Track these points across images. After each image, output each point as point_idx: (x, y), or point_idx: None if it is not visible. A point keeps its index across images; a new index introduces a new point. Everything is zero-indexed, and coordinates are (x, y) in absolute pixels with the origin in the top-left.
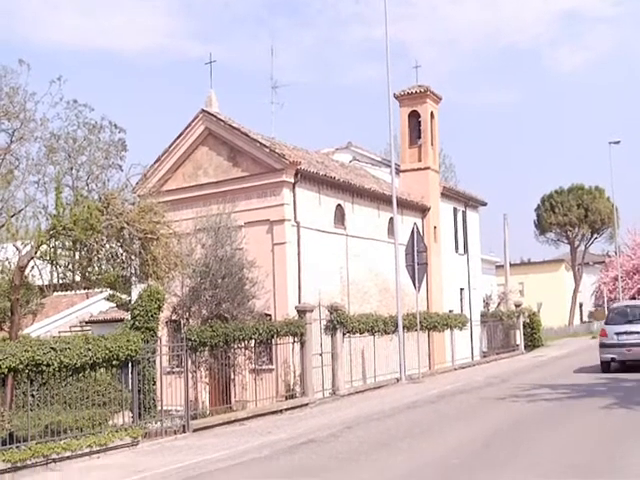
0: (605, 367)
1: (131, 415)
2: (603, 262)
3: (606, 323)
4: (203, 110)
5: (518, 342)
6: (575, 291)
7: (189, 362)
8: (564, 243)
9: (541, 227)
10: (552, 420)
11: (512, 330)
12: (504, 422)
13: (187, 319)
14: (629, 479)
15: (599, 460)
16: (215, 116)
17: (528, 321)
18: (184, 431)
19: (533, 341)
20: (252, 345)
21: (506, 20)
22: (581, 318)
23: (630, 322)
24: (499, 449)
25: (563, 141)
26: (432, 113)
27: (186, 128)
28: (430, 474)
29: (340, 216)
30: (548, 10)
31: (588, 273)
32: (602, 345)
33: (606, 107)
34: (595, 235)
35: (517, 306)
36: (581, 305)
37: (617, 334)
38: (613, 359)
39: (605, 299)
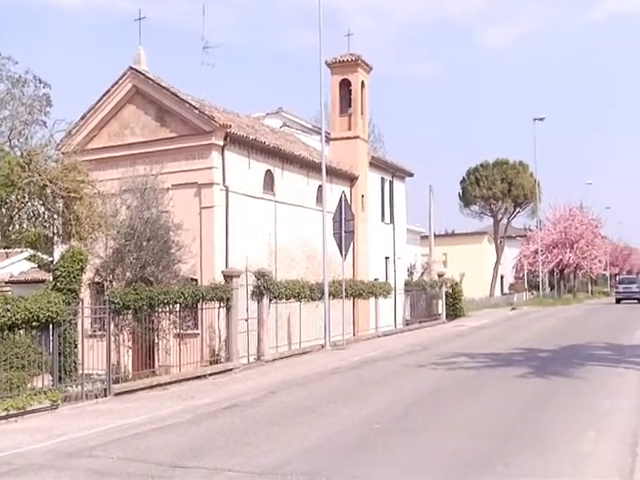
0: (617, 301)
1: (51, 378)
2: (525, 236)
3: (618, 283)
4: (131, 67)
5: (440, 311)
6: (497, 263)
7: (112, 325)
8: (488, 216)
9: (466, 200)
10: (470, 388)
11: (435, 299)
12: (424, 389)
13: (110, 281)
14: (541, 445)
15: (513, 426)
16: (143, 74)
17: (450, 291)
18: (105, 395)
19: (455, 311)
20: (177, 309)
21: None
22: (502, 290)
23: (622, 283)
24: (418, 414)
25: (490, 116)
26: (363, 82)
27: (113, 85)
28: (352, 438)
29: (269, 182)
30: None
31: (510, 246)
32: (616, 292)
33: (533, 83)
34: (518, 209)
35: (440, 276)
36: (502, 277)
37: (620, 285)
38: (617, 298)
39: (525, 272)
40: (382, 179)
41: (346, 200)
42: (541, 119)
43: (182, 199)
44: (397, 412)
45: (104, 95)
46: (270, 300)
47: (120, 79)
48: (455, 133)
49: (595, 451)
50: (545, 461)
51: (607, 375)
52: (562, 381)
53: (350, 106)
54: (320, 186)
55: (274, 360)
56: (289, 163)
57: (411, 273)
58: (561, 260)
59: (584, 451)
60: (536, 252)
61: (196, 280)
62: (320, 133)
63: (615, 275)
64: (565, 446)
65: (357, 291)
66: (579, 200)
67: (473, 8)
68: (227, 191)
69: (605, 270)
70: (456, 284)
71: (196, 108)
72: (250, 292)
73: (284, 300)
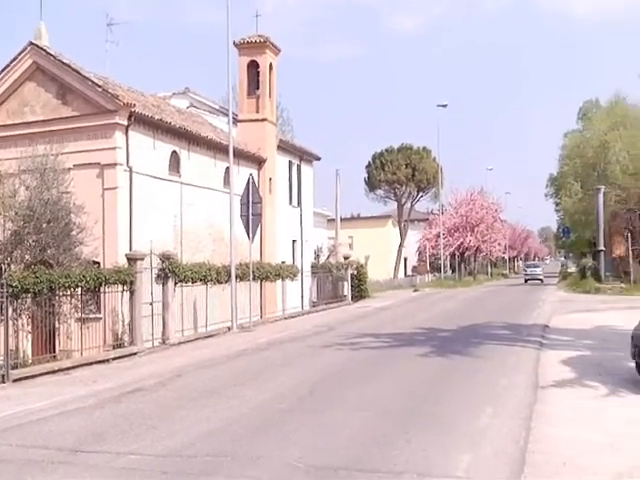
0: (525, 281)
1: None
2: (427, 219)
3: (526, 267)
4: (31, 43)
5: (346, 293)
6: (400, 246)
7: (10, 310)
8: (392, 200)
9: (371, 184)
10: (374, 367)
11: (341, 281)
12: (329, 369)
13: (8, 264)
14: (441, 421)
15: (415, 404)
16: (44, 50)
17: (356, 273)
18: (3, 381)
19: (360, 292)
20: (79, 293)
21: None
22: (405, 272)
23: (529, 267)
24: (323, 394)
25: (397, 101)
26: (271, 64)
27: (12, 61)
28: (256, 419)
29: (175, 163)
30: None
31: (413, 229)
32: (524, 274)
33: (438, 71)
34: (421, 193)
35: (346, 259)
36: (406, 259)
37: (527, 268)
38: (525, 279)
39: (428, 255)
40: (290, 162)
41: (253, 182)
42: (444, 106)
43: (84, 180)
44: (302, 393)
45: (2, 71)
46: (175, 283)
47: (19, 55)
48: (363, 118)
49: (492, 425)
50: (445, 436)
51: (505, 353)
52: (462, 360)
53: (258, 88)
54: (227, 168)
55: (180, 344)
56: (196, 144)
57: (318, 256)
58: (462, 243)
59: (482, 426)
60: (438, 235)
61: (99, 263)
62: (227, 114)
63: (514, 258)
64: (464, 421)
65: (264, 274)
66: (480, 185)
67: None
68: (131, 172)
69: (504, 253)
70: (361, 266)
71: (99, 86)
72: (155, 275)
73: (190, 283)
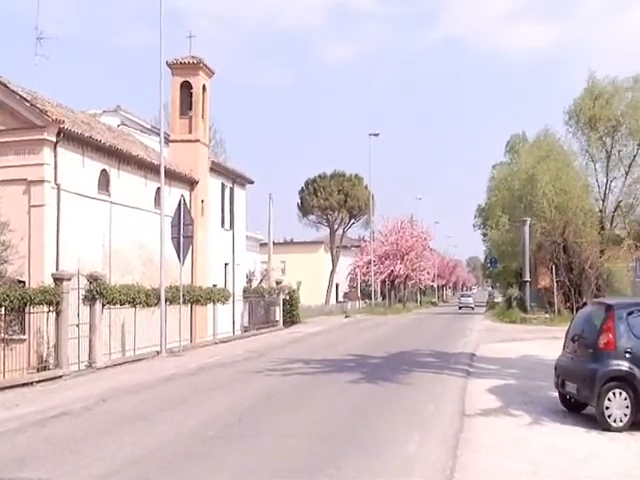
0: (459, 308)
1: None
2: (359, 246)
3: (460, 296)
4: None
5: (278, 318)
6: (332, 272)
7: None
8: (324, 226)
9: (304, 209)
10: (303, 393)
11: (272, 306)
12: (259, 395)
13: None
14: (370, 447)
15: (345, 430)
16: None
17: (288, 298)
18: None
19: (292, 318)
20: (2, 313)
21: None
22: (337, 298)
23: (463, 297)
24: (253, 420)
25: (330, 128)
26: (204, 86)
27: None
28: (184, 445)
29: (105, 182)
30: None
31: (345, 256)
32: (459, 302)
33: (371, 99)
34: (353, 220)
35: (278, 283)
36: (337, 286)
37: (462, 297)
38: (460, 306)
39: (359, 281)
40: (222, 185)
41: (185, 204)
42: (376, 134)
43: (10, 196)
44: (231, 419)
45: None
46: (103, 305)
47: None
48: (297, 144)
49: (420, 453)
50: (373, 463)
51: (433, 381)
52: (391, 386)
53: (191, 109)
54: (158, 188)
55: (107, 367)
56: (126, 163)
57: (250, 280)
58: (392, 271)
59: (410, 453)
60: (369, 262)
61: (24, 282)
62: (159, 134)
63: (442, 286)
64: (393, 448)
65: (195, 297)
66: (410, 214)
67: (312, 22)
68: (59, 189)
69: (433, 281)
70: (293, 291)
71: (27, 100)
72: (82, 296)
73: (118, 305)
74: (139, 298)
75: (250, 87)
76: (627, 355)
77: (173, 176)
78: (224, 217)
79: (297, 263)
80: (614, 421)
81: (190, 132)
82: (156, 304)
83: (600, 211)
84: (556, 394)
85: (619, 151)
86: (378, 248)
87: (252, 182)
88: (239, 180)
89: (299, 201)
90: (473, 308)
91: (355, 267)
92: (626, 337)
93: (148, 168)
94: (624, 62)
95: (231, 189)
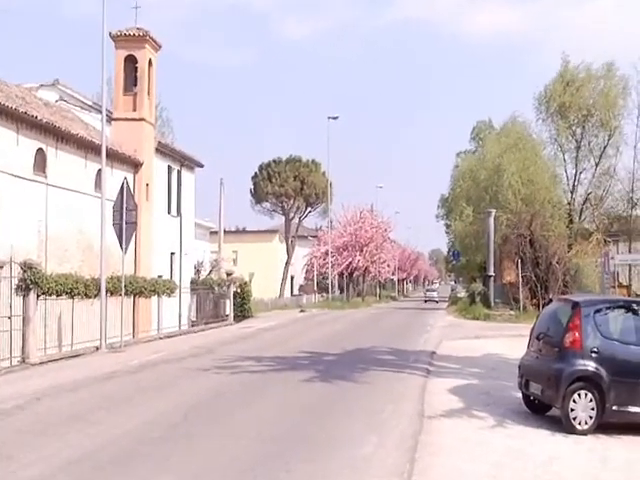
0: (425, 301)
1: None
2: (316, 236)
3: (426, 291)
4: None
5: (228, 312)
6: (287, 263)
7: None
8: (279, 214)
9: (257, 196)
10: (253, 392)
11: (222, 299)
12: (206, 394)
13: None
14: (323, 450)
15: (297, 431)
16: None
17: (239, 291)
18: None
19: (243, 312)
20: None
21: None
22: (292, 291)
23: (428, 291)
24: (199, 421)
25: (287, 110)
26: (150, 60)
27: None
28: (125, 447)
29: (41, 162)
30: None
31: (301, 246)
32: (425, 296)
33: (329, 81)
34: (309, 208)
35: (229, 275)
36: (292, 278)
37: (427, 292)
38: (425, 299)
39: (315, 273)
40: (169, 168)
41: (128, 187)
42: (335, 118)
43: None
44: (176, 418)
45: None
46: (38, 296)
47: None
48: (251, 127)
49: (376, 455)
50: (327, 466)
51: (391, 380)
52: (347, 386)
53: (136, 85)
54: (100, 170)
55: (42, 363)
56: (65, 142)
57: (198, 271)
58: (351, 263)
59: (366, 456)
60: (326, 254)
61: None
62: (101, 111)
63: (403, 280)
64: (347, 450)
65: (138, 288)
66: (370, 203)
67: None
68: None
69: (393, 275)
70: (245, 284)
71: None
72: (15, 286)
73: (55, 296)
74: (77, 289)
75: (202, 65)
76: (593, 355)
77: (116, 157)
78: (171, 202)
79: (249, 253)
80: (579, 424)
81: (135, 110)
82: (96, 295)
83: (568, 203)
84: (520, 395)
85: (589, 142)
86: (336, 239)
87: (202, 165)
88: (188, 163)
89: (252, 187)
90: (437, 302)
91: (312, 258)
92: (593, 336)
93: (89, 148)
94: (593, 49)
95: (179, 172)
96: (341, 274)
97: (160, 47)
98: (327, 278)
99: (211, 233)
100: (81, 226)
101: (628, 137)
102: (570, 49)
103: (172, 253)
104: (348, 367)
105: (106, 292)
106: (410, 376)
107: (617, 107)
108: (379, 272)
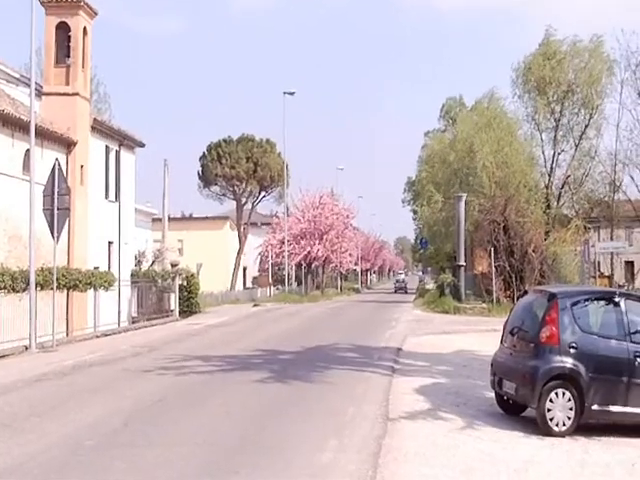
0: (395, 290)
1: None
2: (270, 223)
3: (396, 281)
4: None
5: (173, 307)
6: (239, 253)
7: None
8: (230, 199)
9: (206, 178)
10: (202, 395)
11: (167, 293)
12: (148, 397)
13: None
14: (278, 456)
15: (249, 437)
16: None
17: (185, 284)
18: None
19: (190, 306)
20: None
21: None
22: (244, 284)
23: (398, 281)
24: (140, 427)
25: (240, 85)
26: (85, 29)
27: None
28: (57, 457)
29: None
30: None
31: (254, 234)
32: (394, 285)
33: (286, 54)
34: (264, 193)
35: (174, 266)
36: (245, 269)
37: (397, 282)
38: (395, 289)
39: (270, 264)
40: (107, 147)
41: (60, 169)
42: (291, 93)
43: None
44: (115, 425)
45: None
46: None
47: None
48: (199, 103)
49: (336, 462)
50: (281, 475)
51: (353, 380)
52: (305, 386)
53: (69, 56)
54: (28, 150)
55: None
56: None
57: (140, 262)
58: (309, 252)
59: (324, 462)
60: (282, 242)
61: None
62: (29, 85)
63: (367, 270)
64: (305, 457)
65: (72, 281)
66: (330, 187)
67: None
68: None
69: (356, 265)
70: (192, 276)
71: None
72: None
73: None
74: (3, 282)
75: (144, 34)
76: (572, 350)
77: (46, 135)
78: (108, 186)
79: (197, 242)
80: (556, 425)
81: (67, 84)
82: (24, 289)
83: (546, 187)
84: (492, 394)
85: (569, 120)
86: (293, 226)
87: (143, 145)
88: (127, 142)
89: (200, 169)
90: (407, 292)
91: (266, 247)
92: (571, 330)
93: (15, 125)
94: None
95: (117, 153)
96: (299, 264)
97: (96, 14)
98: (283, 269)
99: (154, 220)
100: (7, 213)
101: (610, 115)
102: (558, 25)
103: (110, 242)
104: (306, 366)
105: (36, 286)
106: (373, 375)
107: (601, 84)
108: (340, 262)
